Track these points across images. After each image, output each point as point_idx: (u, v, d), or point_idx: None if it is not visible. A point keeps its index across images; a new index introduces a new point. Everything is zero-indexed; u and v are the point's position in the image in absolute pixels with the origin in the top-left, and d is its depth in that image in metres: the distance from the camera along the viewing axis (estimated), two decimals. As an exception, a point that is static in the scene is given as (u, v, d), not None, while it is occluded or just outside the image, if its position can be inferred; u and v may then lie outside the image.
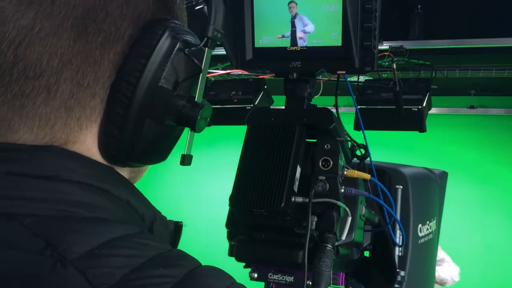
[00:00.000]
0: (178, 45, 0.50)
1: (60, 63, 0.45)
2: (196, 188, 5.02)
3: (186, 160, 0.54)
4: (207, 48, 0.52)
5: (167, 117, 0.51)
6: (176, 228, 0.58)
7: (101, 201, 0.46)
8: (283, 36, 0.72)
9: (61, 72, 0.45)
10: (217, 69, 3.33)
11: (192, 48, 0.51)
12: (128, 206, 0.49)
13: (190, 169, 4.91)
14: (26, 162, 0.45)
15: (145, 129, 0.50)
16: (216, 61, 3.32)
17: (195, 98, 0.52)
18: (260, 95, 3.34)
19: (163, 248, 0.45)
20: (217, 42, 0.53)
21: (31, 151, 0.46)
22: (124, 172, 0.53)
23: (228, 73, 3.27)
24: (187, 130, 0.54)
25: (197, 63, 0.52)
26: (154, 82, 0.49)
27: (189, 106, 0.51)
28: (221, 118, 3.46)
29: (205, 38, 0.52)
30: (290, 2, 0.71)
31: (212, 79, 3.45)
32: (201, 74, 0.52)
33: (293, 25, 0.71)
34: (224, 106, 3.38)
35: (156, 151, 0.54)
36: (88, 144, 0.49)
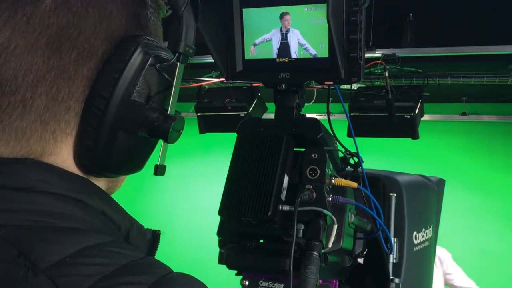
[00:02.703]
0: (150, 60, 0.52)
1: (35, 79, 0.47)
2: (189, 195, 5.02)
3: (159, 170, 0.55)
4: (179, 63, 0.54)
5: (140, 129, 0.53)
6: (154, 236, 0.60)
7: (76, 211, 0.48)
8: (267, 40, 0.74)
9: (36, 88, 0.47)
10: (211, 76, 3.34)
11: (164, 64, 0.53)
12: (103, 216, 0.51)
13: (184, 176, 4.90)
14: (3, 174, 0.47)
15: (119, 141, 0.51)
16: (210, 68, 3.34)
17: (168, 111, 0.54)
18: (254, 103, 3.35)
19: (134, 256, 0.46)
20: (189, 57, 0.55)
21: (8, 164, 0.47)
22: (101, 182, 0.55)
23: (222, 81, 3.29)
24: (161, 141, 0.55)
25: (167, 78, 0.54)
26: (127, 96, 0.51)
27: (162, 119, 0.53)
28: (215, 125, 3.48)
29: (177, 54, 0.54)
30: (284, 14, 0.72)
31: (206, 86, 3.46)
32: (173, 88, 0.54)
33: (285, 38, 0.73)
34: (218, 113, 3.39)
35: (130, 162, 0.56)
36: (63, 156, 0.51)
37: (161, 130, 0.53)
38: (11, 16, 0.46)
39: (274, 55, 0.74)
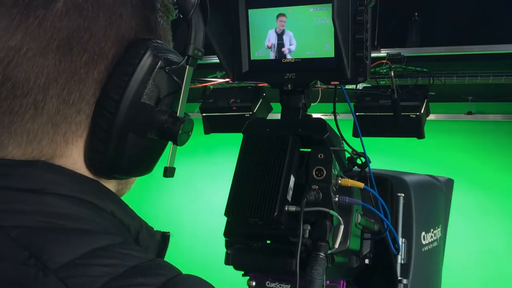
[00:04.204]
0: (159, 63, 0.52)
1: (47, 81, 0.47)
2: (195, 195, 5.02)
3: (168, 172, 0.56)
4: (187, 66, 0.55)
5: (149, 132, 0.53)
6: (163, 238, 0.60)
7: (86, 213, 0.48)
8: (272, 45, 0.75)
9: (48, 90, 0.48)
10: (216, 77, 3.35)
11: (173, 66, 0.53)
12: (113, 217, 0.51)
13: (190, 177, 4.90)
14: (14, 176, 0.47)
15: (129, 143, 0.52)
16: (215, 69, 3.34)
17: (177, 113, 0.54)
18: (259, 103, 3.35)
19: (144, 258, 0.47)
20: (198, 60, 0.56)
21: (19, 166, 0.48)
22: (111, 184, 0.55)
23: (226, 81, 3.29)
24: (170, 143, 0.56)
25: (176, 80, 0.54)
26: (136, 99, 0.51)
27: (171, 121, 0.53)
28: (220, 125, 3.47)
29: (186, 56, 0.54)
30: (279, 15, 0.73)
31: (211, 87, 3.46)
32: (182, 90, 0.55)
33: (280, 39, 0.73)
34: (223, 114, 3.39)
35: (140, 164, 0.56)
36: (74, 158, 0.51)
37: (170, 132, 0.53)
38: (23, 20, 0.46)
39: (272, 56, 0.74)
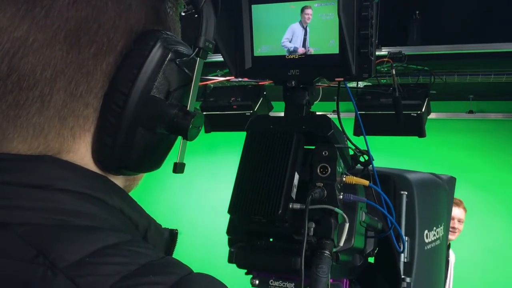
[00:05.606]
0: (169, 55, 0.51)
1: (54, 73, 0.46)
2: (195, 194, 5.02)
3: (178, 168, 0.54)
4: (198, 58, 0.53)
5: (159, 126, 0.52)
6: (171, 235, 0.59)
7: (94, 210, 0.47)
8: (290, 47, 0.73)
9: (55, 83, 0.46)
10: (217, 75, 3.34)
11: (184, 58, 0.52)
12: (121, 214, 0.50)
13: (190, 175, 4.89)
14: (21, 171, 0.46)
15: (138, 137, 0.50)
16: (215, 67, 3.34)
17: (187, 107, 0.53)
18: (260, 102, 3.35)
19: (154, 256, 0.46)
20: (209, 52, 0.54)
21: (25, 161, 0.46)
22: (118, 180, 0.54)
23: (227, 80, 3.29)
24: (180, 139, 0.54)
25: (188, 73, 0.53)
26: (146, 92, 0.50)
27: (181, 115, 0.52)
28: (221, 124, 3.48)
29: (196, 49, 0.53)
30: (305, 8, 0.71)
31: (212, 85, 3.46)
32: (192, 83, 0.53)
33: (306, 33, 0.72)
34: (224, 112, 3.40)
35: (149, 160, 0.55)
36: (81, 153, 0.50)
37: (180, 126, 0.52)
38: (29, 9, 0.45)
39: (299, 51, 0.73)
